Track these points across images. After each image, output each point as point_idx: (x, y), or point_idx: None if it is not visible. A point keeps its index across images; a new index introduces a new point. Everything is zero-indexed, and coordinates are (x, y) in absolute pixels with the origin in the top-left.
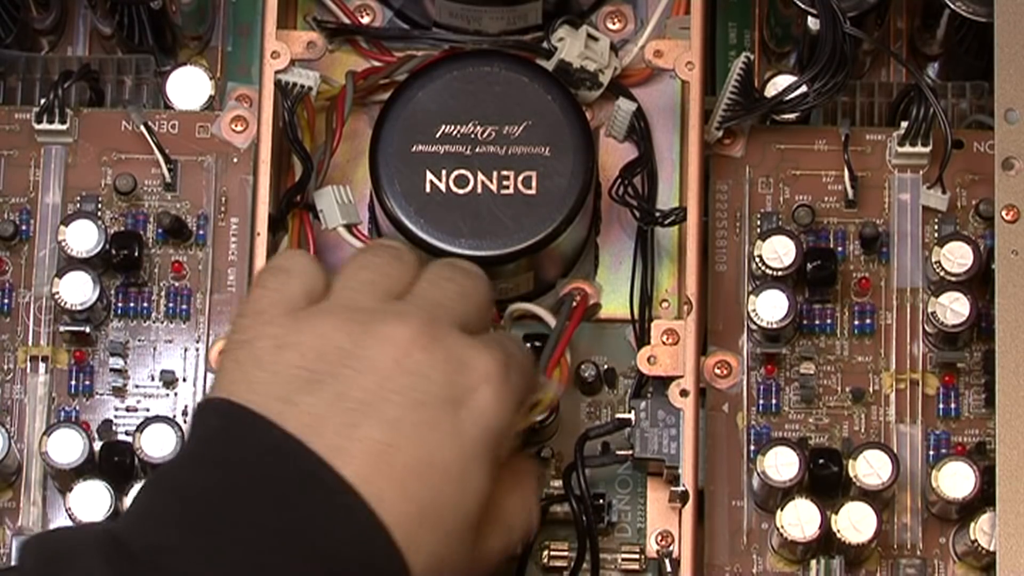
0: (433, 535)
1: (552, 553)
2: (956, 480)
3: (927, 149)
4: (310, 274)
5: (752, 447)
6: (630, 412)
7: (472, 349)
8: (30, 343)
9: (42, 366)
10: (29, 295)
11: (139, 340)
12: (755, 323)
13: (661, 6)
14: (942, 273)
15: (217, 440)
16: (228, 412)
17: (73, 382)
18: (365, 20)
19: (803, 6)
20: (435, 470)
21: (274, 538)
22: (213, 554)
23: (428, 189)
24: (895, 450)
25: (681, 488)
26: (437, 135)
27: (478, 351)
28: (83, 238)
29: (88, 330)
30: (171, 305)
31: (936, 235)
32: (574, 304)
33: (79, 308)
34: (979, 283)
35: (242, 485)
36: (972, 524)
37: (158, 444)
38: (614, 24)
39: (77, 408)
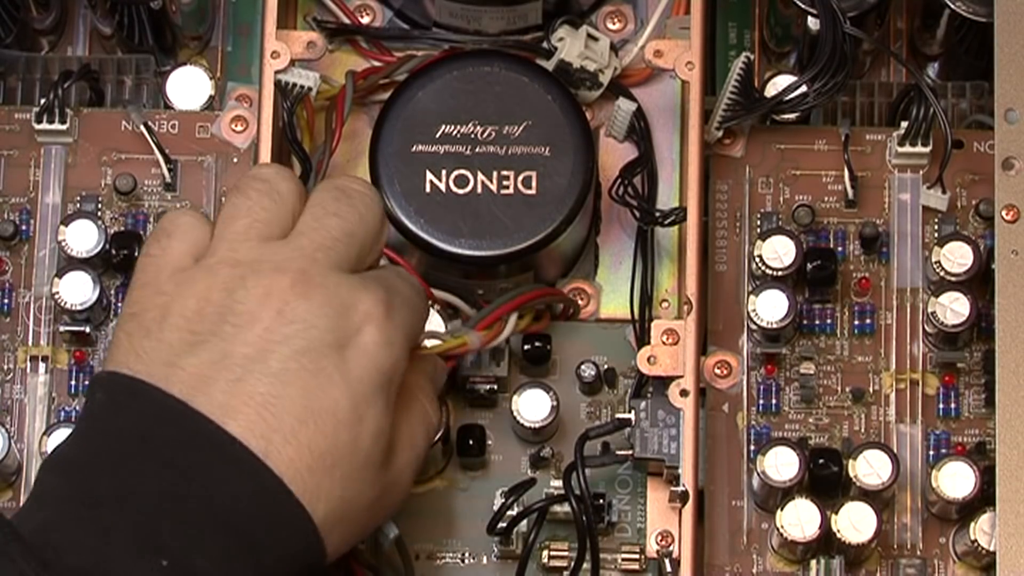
0: (331, 480)
1: (552, 553)
2: (956, 480)
3: (927, 149)
4: (191, 231)
5: (752, 447)
6: (630, 412)
7: (353, 291)
8: (30, 343)
9: (42, 366)
10: (29, 295)
11: None
12: (755, 323)
13: (661, 6)
14: (942, 273)
15: (102, 413)
16: (112, 383)
17: (73, 382)
18: (365, 20)
19: (803, 6)
20: (325, 416)
21: (163, 500)
22: (99, 524)
23: (428, 189)
24: (895, 450)
25: (681, 488)
26: (437, 135)
27: (359, 292)
28: (83, 238)
29: (88, 330)
30: None
31: (936, 235)
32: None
33: (79, 308)
34: (979, 283)
35: (128, 453)
36: (972, 524)
37: None
38: (614, 24)
39: (77, 408)
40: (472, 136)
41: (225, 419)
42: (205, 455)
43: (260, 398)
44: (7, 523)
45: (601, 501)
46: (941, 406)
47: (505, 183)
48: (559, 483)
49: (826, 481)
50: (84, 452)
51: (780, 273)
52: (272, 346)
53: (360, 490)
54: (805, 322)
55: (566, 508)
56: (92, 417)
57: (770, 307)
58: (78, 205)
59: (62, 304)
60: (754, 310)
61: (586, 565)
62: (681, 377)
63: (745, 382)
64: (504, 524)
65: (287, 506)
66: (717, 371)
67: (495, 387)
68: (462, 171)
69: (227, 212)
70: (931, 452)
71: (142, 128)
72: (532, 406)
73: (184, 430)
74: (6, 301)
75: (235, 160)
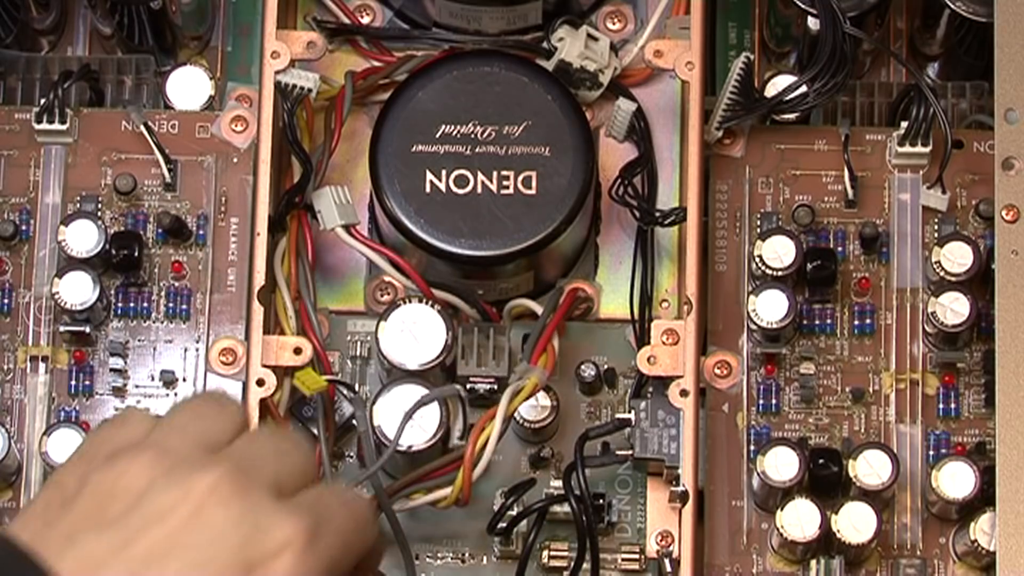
0: None
1: (552, 553)
2: (956, 480)
3: (927, 149)
4: (141, 424)
5: (752, 447)
6: (630, 412)
7: (276, 514)
8: (30, 343)
9: (42, 366)
10: (29, 295)
11: (139, 340)
12: (755, 323)
13: (661, 6)
14: (942, 273)
15: None
16: (4, 550)
17: (73, 382)
18: (365, 20)
19: (803, 6)
20: None
21: None
22: None
23: (428, 189)
24: (895, 450)
25: (681, 488)
26: (437, 135)
27: (281, 516)
28: (83, 238)
29: (88, 330)
30: (171, 305)
31: (936, 235)
32: (562, 295)
33: (79, 308)
34: (979, 283)
35: None
36: (972, 524)
37: None
38: (614, 24)
39: (77, 408)
40: (472, 136)
41: None
42: None
43: None
44: None
45: (601, 501)
46: (941, 406)
47: (505, 183)
48: (559, 483)
49: (826, 481)
50: None
51: (780, 273)
52: (176, 549)
53: None
54: (805, 322)
55: (566, 508)
56: None
57: (770, 307)
58: (78, 205)
59: (62, 304)
60: (754, 310)
61: (586, 565)
62: (681, 377)
63: (745, 382)
64: (504, 524)
65: None
66: (717, 371)
67: (495, 387)
68: (462, 171)
69: (177, 405)
70: (931, 452)
71: (142, 128)
72: (532, 406)
73: None
74: (6, 301)
75: (235, 160)
